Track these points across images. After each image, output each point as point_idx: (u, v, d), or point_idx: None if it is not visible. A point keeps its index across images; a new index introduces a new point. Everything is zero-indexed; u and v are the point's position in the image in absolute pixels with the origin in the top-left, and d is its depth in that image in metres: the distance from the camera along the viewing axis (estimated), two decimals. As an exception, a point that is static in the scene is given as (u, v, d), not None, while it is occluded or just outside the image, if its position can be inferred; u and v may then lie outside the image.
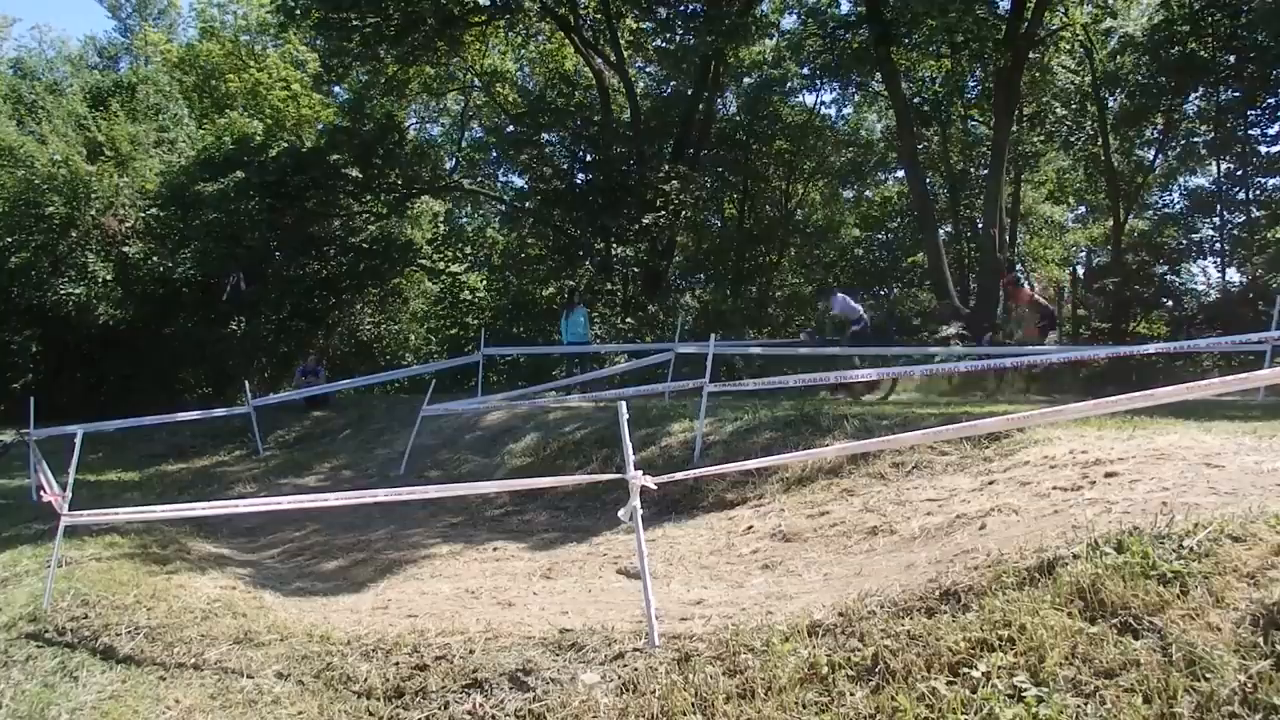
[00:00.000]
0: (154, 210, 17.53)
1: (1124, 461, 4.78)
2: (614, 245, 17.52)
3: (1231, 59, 16.75)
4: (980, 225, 18.31)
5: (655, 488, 4.06)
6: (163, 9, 30.28)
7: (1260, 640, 2.38)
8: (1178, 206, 19.57)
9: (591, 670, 3.39)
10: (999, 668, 2.58)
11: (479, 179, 22.16)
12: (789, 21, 20.13)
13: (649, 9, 17.23)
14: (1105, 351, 10.87)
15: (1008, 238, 18.29)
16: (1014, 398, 10.44)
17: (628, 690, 3.17)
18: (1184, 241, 18.48)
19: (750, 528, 5.89)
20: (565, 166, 18.52)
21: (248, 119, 19.58)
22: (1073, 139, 19.82)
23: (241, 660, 3.98)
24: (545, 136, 18.74)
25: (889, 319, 18.63)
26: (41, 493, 6.47)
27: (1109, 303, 17.43)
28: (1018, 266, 21.23)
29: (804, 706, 2.76)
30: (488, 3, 17.64)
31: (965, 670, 2.63)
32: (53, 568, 4.87)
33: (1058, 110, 19.48)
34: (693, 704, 2.95)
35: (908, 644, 2.84)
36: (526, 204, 19.34)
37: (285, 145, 18.05)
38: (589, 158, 18.24)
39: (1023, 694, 2.47)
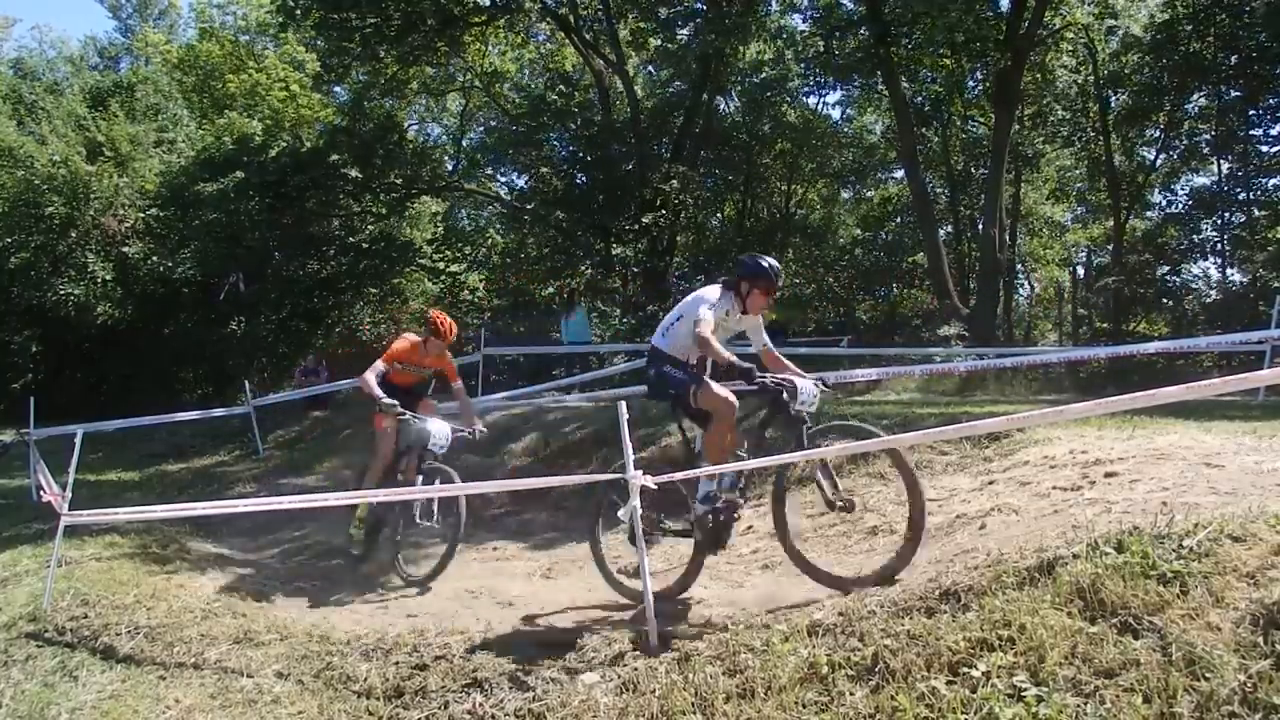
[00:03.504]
0: (154, 210, 17.55)
1: (1124, 461, 4.77)
2: (614, 245, 17.52)
3: (1234, 59, 16.75)
4: (980, 225, 18.30)
5: (655, 488, 4.07)
6: (163, 10, 30.31)
7: (1260, 640, 2.38)
8: (1180, 206, 19.57)
9: (591, 670, 3.39)
10: (999, 667, 2.58)
11: (479, 179, 22.16)
12: (791, 21, 20.13)
13: (649, 9, 17.22)
14: (1105, 352, 10.88)
15: (1008, 238, 18.28)
16: (1014, 398, 10.44)
17: (628, 690, 3.17)
18: (1185, 242, 18.49)
19: (750, 528, 5.89)
20: (565, 166, 18.50)
21: (247, 119, 19.59)
22: (1074, 138, 19.82)
23: (241, 660, 3.99)
24: (545, 137, 18.72)
25: (887, 319, 18.63)
26: (41, 493, 6.47)
27: (1110, 302, 17.44)
28: (1018, 266, 21.24)
29: (804, 706, 2.76)
30: (488, 3, 17.64)
31: (965, 670, 2.63)
32: (53, 567, 4.88)
33: (1059, 110, 19.47)
34: (693, 704, 2.95)
35: (908, 644, 2.84)
36: (527, 204, 19.34)
37: (285, 145, 18.05)
38: (589, 158, 18.22)
39: (1022, 694, 2.46)
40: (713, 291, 4.45)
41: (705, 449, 4.40)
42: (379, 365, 5.90)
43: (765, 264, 4.42)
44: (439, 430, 5.66)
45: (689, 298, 4.60)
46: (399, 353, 6.01)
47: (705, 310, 4.28)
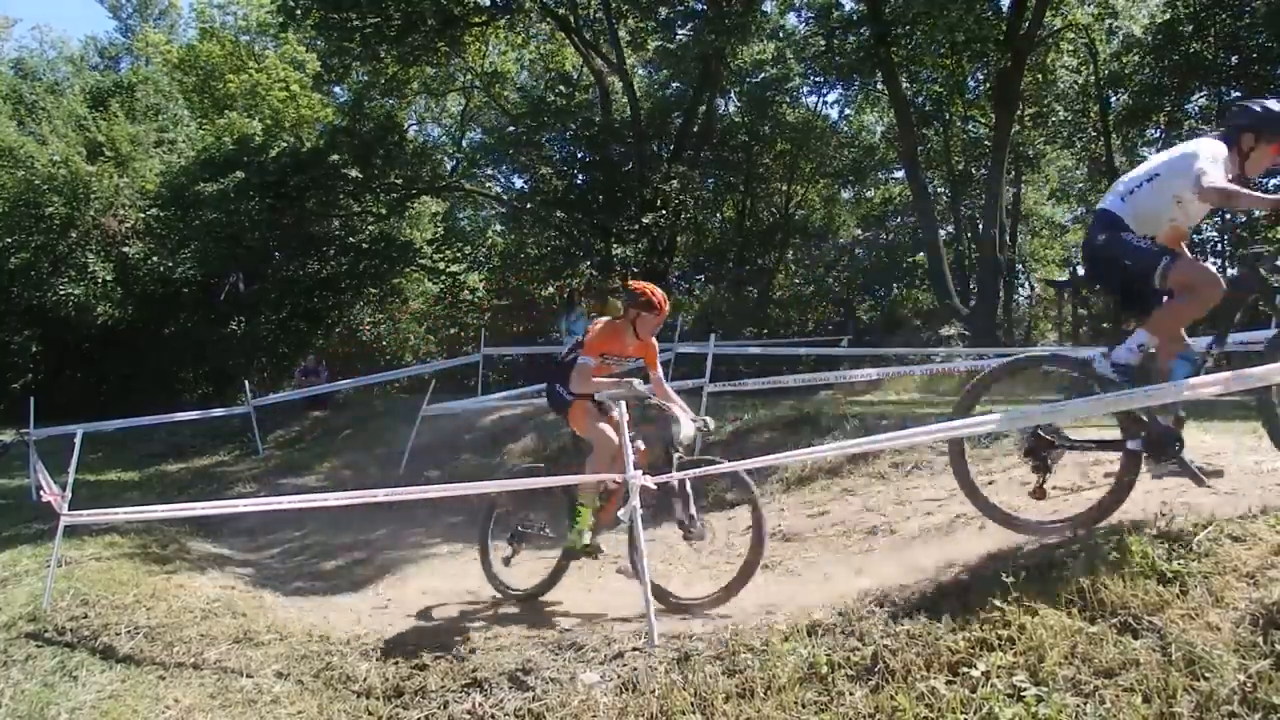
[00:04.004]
0: (154, 210, 17.55)
1: (1124, 461, 4.76)
2: (614, 245, 17.51)
3: (1234, 59, 16.76)
4: (980, 225, 18.29)
5: (655, 488, 4.07)
6: (163, 10, 30.27)
7: (1260, 640, 2.38)
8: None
9: (591, 670, 3.39)
10: (998, 667, 2.58)
11: (479, 179, 22.15)
12: (791, 21, 20.12)
13: (649, 9, 17.22)
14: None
15: (1008, 238, 18.28)
16: (1015, 397, 10.41)
17: (627, 690, 3.17)
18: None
19: (749, 528, 5.88)
20: (565, 167, 18.50)
21: (247, 119, 19.59)
22: (1075, 138, 19.82)
23: (241, 660, 3.99)
24: (545, 137, 18.73)
25: (887, 319, 18.61)
26: (41, 493, 6.47)
27: (1110, 303, 17.43)
28: (1019, 266, 21.22)
29: (803, 706, 2.76)
30: (488, 3, 17.64)
31: (964, 670, 2.63)
32: (52, 567, 4.87)
33: (1059, 111, 19.47)
34: (692, 703, 2.95)
35: (907, 644, 2.83)
36: (527, 204, 19.34)
37: (285, 145, 18.05)
38: (589, 158, 18.22)
39: (1022, 693, 2.46)
40: (1210, 145, 3.36)
41: (1153, 323, 3.44)
42: (590, 360, 4.60)
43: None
44: (686, 424, 4.54)
45: (1168, 153, 3.55)
46: (604, 343, 4.70)
47: (1207, 164, 3.26)
